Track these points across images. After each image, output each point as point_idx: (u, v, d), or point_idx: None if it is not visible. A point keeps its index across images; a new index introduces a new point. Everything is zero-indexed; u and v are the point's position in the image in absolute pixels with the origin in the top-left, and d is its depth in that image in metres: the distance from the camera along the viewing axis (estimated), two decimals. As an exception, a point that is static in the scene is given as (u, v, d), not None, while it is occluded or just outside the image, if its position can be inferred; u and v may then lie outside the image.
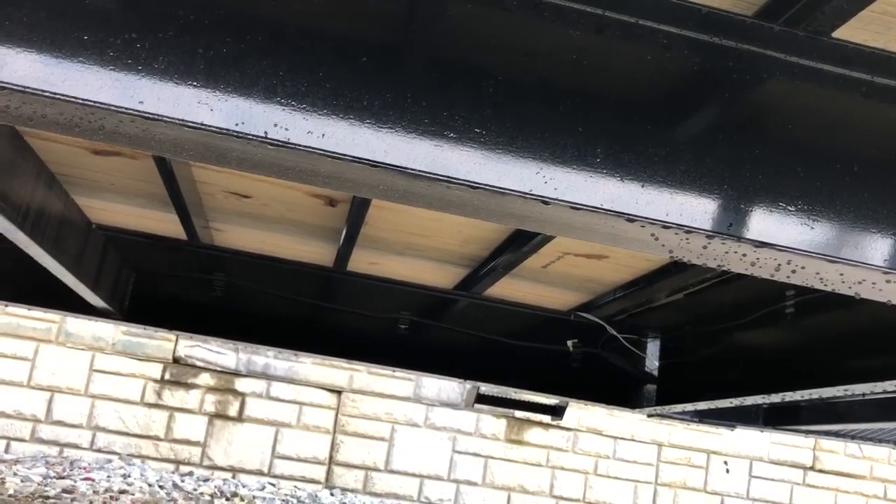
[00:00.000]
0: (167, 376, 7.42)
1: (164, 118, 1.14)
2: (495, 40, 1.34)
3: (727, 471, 8.97)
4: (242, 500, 6.17)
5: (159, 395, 7.38)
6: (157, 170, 2.69)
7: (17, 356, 7.15)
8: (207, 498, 6.00)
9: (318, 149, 1.20)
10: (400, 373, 7.30)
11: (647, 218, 1.25)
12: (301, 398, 7.66)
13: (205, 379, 7.50)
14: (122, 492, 5.57)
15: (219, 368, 7.53)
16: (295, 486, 7.24)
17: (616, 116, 1.32)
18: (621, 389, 4.14)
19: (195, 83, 1.18)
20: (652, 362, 4.21)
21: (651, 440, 8.70)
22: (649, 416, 4.54)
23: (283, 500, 6.52)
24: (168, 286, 3.91)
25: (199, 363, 7.49)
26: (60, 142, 2.50)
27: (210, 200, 3.22)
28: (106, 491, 5.47)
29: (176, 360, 7.46)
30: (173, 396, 7.41)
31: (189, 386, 7.44)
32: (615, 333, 3.95)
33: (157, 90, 1.16)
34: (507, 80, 1.31)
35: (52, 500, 4.67)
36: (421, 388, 8.02)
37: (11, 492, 4.71)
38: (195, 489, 6.39)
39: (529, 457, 8.23)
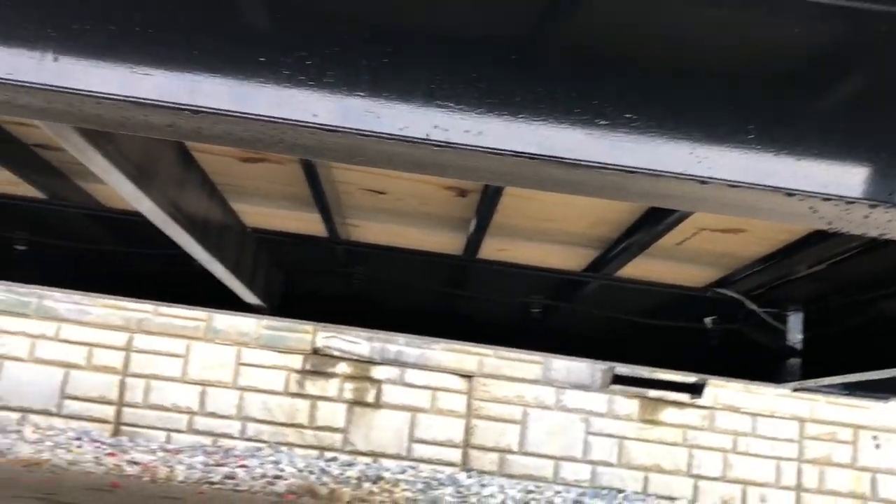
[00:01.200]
0: (308, 367, 7.79)
1: (339, 129, 1.23)
2: (637, 25, 1.36)
3: (877, 446, 8.54)
4: (387, 482, 6.41)
5: (301, 384, 7.76)
6: (301, 173, 2.84)
7: (171, 353, 7.69)
8: (355, 481, 6.27)
9: (476, 146, 1.27)
10: (529, 356, 7.36)
11: (806, 191, 1.25)
12: (434, 383, 7.86)
13: (342, 368, 7.82)
14: (277, 477, 5.91)
15: (355, 357, 7.82)
16: (434, 469, 7.45)
17: (766, 91, 1.32)
18: (764, 365, 4.04)
19: (361, 94, 1.27)
20: (794, 336, 4.08)
21: (792, 416, 8.40)
22: (794, 390, 4.41)
23: (425, 483, 6.72)
24: (312, 281, 4.12)
25: (336, 353, 7.81)
26: (213, 152, 2.68)
27: (348, 198, 3.37)
28: (262, 476, 5.82)
29: (315, 351, 7.81)
30: (314, 385, 7.77)
31: (328, 375, 7.78)
32: (755, 308, 3.85)
33: (328, 103, 1.26)
34: (652, 64, 1.33)
35: (217, 486, 5.01)
36: (550, 370, 8.05)
37: (181, 478, 5.08)
38: (341, 473, 6.69)
39: (665, 436, 8.12)
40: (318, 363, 7.82)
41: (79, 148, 1.65)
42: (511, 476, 7.78)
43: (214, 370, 7.70)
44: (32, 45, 1.25)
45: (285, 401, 7.75)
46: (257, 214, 3.41)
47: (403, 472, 7.30)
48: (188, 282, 4.09)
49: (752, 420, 8.36)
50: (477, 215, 3.19)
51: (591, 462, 8.09)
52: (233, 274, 3.00)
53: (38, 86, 1.22)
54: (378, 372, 7.86)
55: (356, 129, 1.25)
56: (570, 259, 3.91)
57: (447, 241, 3.96)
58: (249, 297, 3.47)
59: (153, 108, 1.23)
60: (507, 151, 1.26)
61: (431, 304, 4.63)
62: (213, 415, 7.67)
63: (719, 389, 8.13)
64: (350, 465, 7.33)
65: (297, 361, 7.80)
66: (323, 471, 6.73)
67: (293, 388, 7.79)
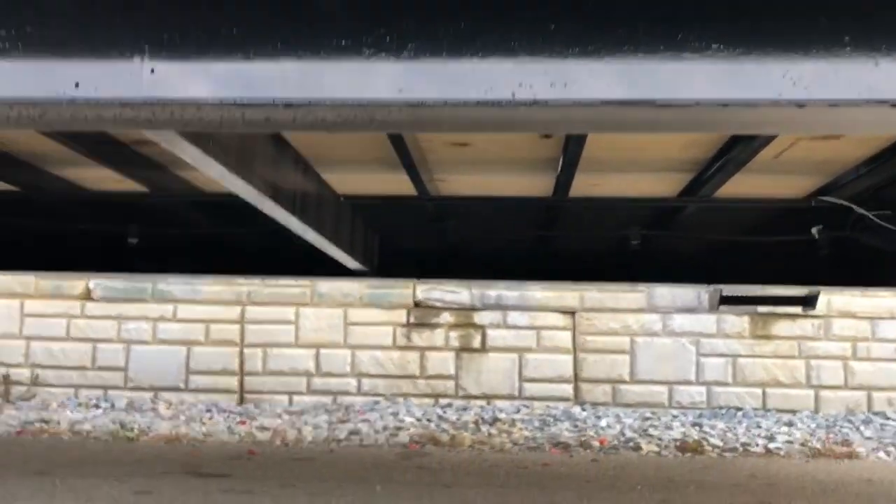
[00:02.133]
0: (412, 320, 7.97)
1: (426, 101, 1.26)
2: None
3: None
4: (503, 423, 6.55)
5: (408, 337, 7.96)
6: (385, 136, 2.89)
7: (282, 321, 8.01)
8: (472, 425, 6.44)
9: (563, 99, 1.26)
10: (630, 286, 7.30)
11: (913, 100, 1.19)
12: (537, 323, 7.92)
13: (445, 318, 7.97)
14: (399, 428, 6.13)
15: (456, 306, 7.95)
16: (547, 406, 7.56)
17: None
18: (881, 269, 3.89)
19: (443, 61, 1.28)
20: (910, 235, 3.90)
21: (914, 315, 8.07)
22: (914, 291, 4.24)
23: (541, 419, 6.83)
24: (407, 239, 4.20)
25: (437, 304, 7.96)
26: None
27: (432, 154, 3.40)
28: (384, 429, 6.05)
29: (417, 305, 7.98)
30: (421, 337, 7.96)
31: (433, 326, 7.95)
32: (865, 212, 3.70)
33: (412, 76, 1.28)
34: (734, -11, 1.29)
35: (345, 443, 5.24)
36: (654, 297, 7.98)
37: (310, 438, 5.33)
38: (458, 419, 6.88)
39: (780, 350, 7.96)
40: (422, 315, 8.00)
41: (182, 149, 1.73)
42: (626, 405, 7.82)
43: (325, 332, 7.99)
44: (130, 61, 1.32)
45: (395, 354, 7.98)
46: (348, 182, 3.49)
47: (518, 411, 7.43)
48: (292, 254, 4.24)
49: (870, 324, 8.08)
50: (564, 155, 3.17)
51: (706, 383, 8.02)
52: (333, 243, 3.09)
53: (140, 101, 1.29)
54: (480, 318, 7.98)
55: (442, 99, 1.27)
56: (664, 185, 3.84)
57: (536, 184, 3.94)
58: (351, 262, 3.58)
59: (249, 107, 1.28)
60: (595, 100, 1.26)
61: (527, 247, 4.66)
62: (329, 374, 7.99)
63: (832, 296, 7.87)
64: (465, 409, 7.52)
65: (401, 316, 7.99)
66: (440, 417, 6.93)
67: (401, 341, 8.01)
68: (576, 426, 6.71)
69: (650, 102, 1.24)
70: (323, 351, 8.01)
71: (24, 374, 8.18)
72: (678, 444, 6.14)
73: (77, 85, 1.31)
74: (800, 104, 1.22)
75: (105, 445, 4.73)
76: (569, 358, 7.96)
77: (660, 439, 6.27)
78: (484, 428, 6.30)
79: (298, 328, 8.06)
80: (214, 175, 2.01)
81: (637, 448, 5.89)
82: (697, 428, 6.89)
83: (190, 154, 1.77)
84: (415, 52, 1.30)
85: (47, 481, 3.98)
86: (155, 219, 4.29)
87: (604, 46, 1.28)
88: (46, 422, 6.09)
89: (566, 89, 1.27)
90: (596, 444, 5.99)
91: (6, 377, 8.12)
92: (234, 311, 8.12)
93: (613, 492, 4.26)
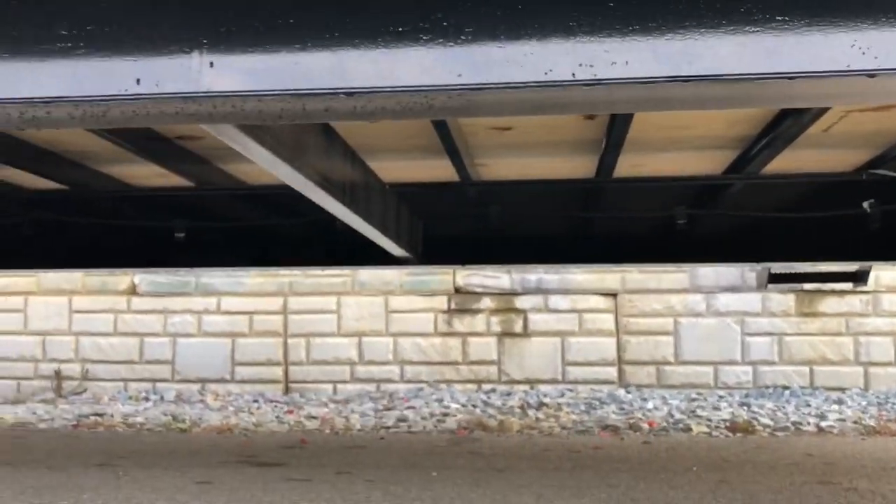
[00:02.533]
0: (453, 306, 7.99)
1: (485, 85, 1.25)
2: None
3: None
4: (550, 407, 6.54)
5: (449, 323, 7.98)
6: (429, 123, 2.88)
7: (324, 310, 8.07)
8: (519, 410, 6.44)
9: (625, 78, 1.25)
10: (674, 267, 7.23)
11: None
12: (579, 306, 7.89)
13: (486, 303, 7.97)
14: (445, 414, 6.15)
15: (497, 291, 7.95)
16: (591, 389, 7.53)
17: (929, -38, 1.23)
18: (935, 242, 3.79)
19: (501, 44, 1.27)
20: (965, 206, 3.80)
21: (966, 288, 7.88)
22: (970, 264, 4.13)
23: (586, 403, 6.80)
24: (450, 226, 4.19)
25: (478, 289, 7.96)
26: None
27: (474, 139, 3.38)
28: (431, 416, 6.08)
29: (458, 290, 7.99)
30: (462, 323, 7.97)
31: (474, 311, 7.95)
32: (918, 184, 3.61)
33: (470, 60, 1.27)
34: (796, -43, 1.26)
35: (393, 430, 5.27)
36: (697, 277, 7.89)
37: (359, 426, 5.37)
38: (504, 403, 6.88)
39: (827, 327, 7.82)
40: (463, 301, 8.01)
41: (239, 142, 1.74)
42: (671, 386, 7.76)
43: (366, 321, 8.04)
44: (189, 55, 1.33)
45: (437, 341, 8.00)
46: (393, 169, 3.49)
47: (562, 395, 7.42)
48: (334, 244, 4.27)
49: (920, 299, 7.91)
50: (608, 135, 3.14)
51: (752, 363, 7.93)
52: (380, 231, 3.10)
53: (201, 94, 1.30)
54: (521, 302, 7.96)
55: (501, 83, 1.26)
56: (709, 163, 3.79)
57: (578, 166, 3.91)
58: (396, 250, 3.59)
59: (309, 97, 1.28)
60: (658, 78, 1.24)
61: (570, 230, 4.63)
62: (371, 362, 8.04)
63: (881, 271, 7.71)
64: (509, 394, 7.53)
65: (442, 302, 8.01)
66: (485, 403, 6.94)
67: (442, 328, 8.03)
68: (622, 409, 6.67)
69: (714, 77, 1.22)
70: (365, 339, 8.06)
71: (74, 369, 8.37)
72: (728, 424, 6.08)
73: (138, 81, 1.32)
74: (870, 74, 1.19)
75: (160, 437, 4.82)
76: (612, 340, 7.92)
77: (709, 420, 6.22)
78: (531, 412, 6.29)
79: (340, 317, 8.12)
80: (268, 167, 2.03)
81: (687, 429, 5.84)
82: (746, 408, 6.81)
83: (246, 146, 1.78)
84: (472, 36, 1.29)
85: (110, 473, 4.07)
86: (200, 213, 4.34)
87: (665, 23, 1.26)
88: (100, 415, 6.23)
89: (627, 68, 1.25)
90: (645, 426, 5.95)
91: (58, 373, 8.31)
92: (277, 303, 8.20)
93: (669, 473, 4.24)
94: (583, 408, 6.59)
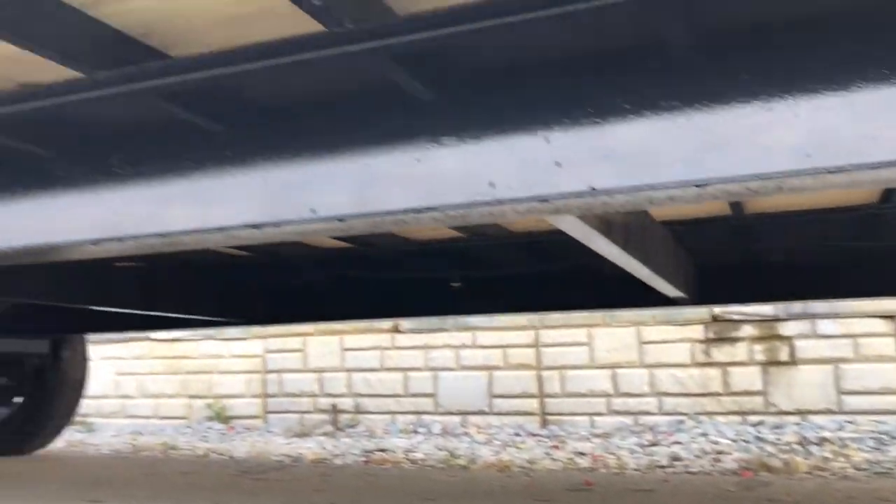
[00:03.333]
0: (710, 335, 7.71)
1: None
2: None
3: None
4: (832, 443, 6.08)
5: (707, 353, 7.70)
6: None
7: (576, 342, 8.13)
8: (798, 447, 6.05)
9: None
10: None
11: None
12: (854, 330, 7.29)
13: (747, 330, 7.60)
14: (719, 452, 5.92)
15: (758, 318, 7.56)
16: (874, 421, 6.90)
17: None
18: None
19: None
20: None
21: None
22: None
23: (873, 438, 6.24)
24: (723, 261, 4.09)
25: (736, 317, 7.62)
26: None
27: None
28: (704, 453, 5.87)
29: (715, 319, 7.71)
30: (721, 352, 7.66)
31: (734, 340, 7.62)
32: None
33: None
34: None
35: (669, 469, 5.17)
36: None
37: (633, 465, 5.32)
38: (778, 438, 6.49)
39: None
40: (721, 329, 7.71)
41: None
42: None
43: (619, 352, 7.98)
44: (535, 150, 1.45)
45: (695, 371, 7.75)
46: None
47: (841, 428, 6.86)
48: (599, 286, 4.33)
49: None
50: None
51: None
52: (654, 271, 3.11)
53: (550, 197, 1.42)
54: (786, 328, 7.51)
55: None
56: None
57: (852, 195, 3.66)
58: (671, 291, 3.57)
59: (655, 190, 1.36)
60: None
61: (843, 261, 4.34)
62: (627, 394, 7.95)
63: None
64: (778, 427, 7.09)
65: (698, 332, 7.76)
66: (757, 438, 6.59)
67: (700, 358, 7.77)
68: (925, 444, 6.03)
69: None
70: (619, 371, 8.00)
71: (347, 402, 9.09)
72: None
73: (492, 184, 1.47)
74: None
75: (447, 475, 5.02)
76: (894, 367, 7.22)
77: None
78: (813, 450, 5.87)
79: (593, 349, 8.14)
80: (552, 219, 2.10)
81: None
82: None
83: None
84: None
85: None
86: (470, 262, 4.59)
87: None
88: (383, 450, 6.68)
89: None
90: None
91: (335, 406, 9.08)
92: (529, 336, 8.39)
93: None
94: (871, 444, 6.04)
